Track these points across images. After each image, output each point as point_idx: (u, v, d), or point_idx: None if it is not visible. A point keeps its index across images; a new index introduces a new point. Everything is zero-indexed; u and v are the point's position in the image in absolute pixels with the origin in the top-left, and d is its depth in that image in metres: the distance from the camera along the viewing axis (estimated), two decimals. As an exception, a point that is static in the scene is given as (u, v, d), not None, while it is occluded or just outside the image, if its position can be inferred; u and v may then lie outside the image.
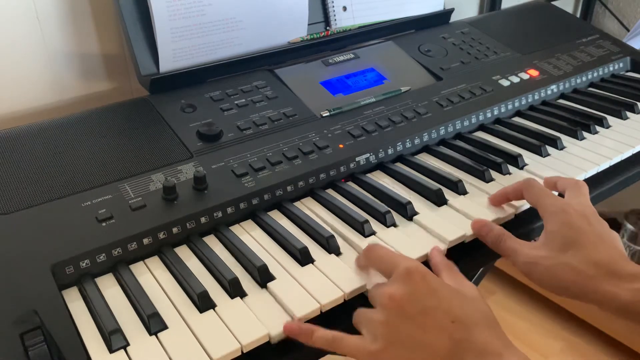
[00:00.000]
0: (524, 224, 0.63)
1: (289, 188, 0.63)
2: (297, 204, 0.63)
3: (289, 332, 0.46)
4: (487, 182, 0.67)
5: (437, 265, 0.52)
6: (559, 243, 0.52)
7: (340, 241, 0.57)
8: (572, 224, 0.52)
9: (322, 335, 0.46)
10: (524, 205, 0.63)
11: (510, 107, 0.83)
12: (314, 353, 0.47)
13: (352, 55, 0.85)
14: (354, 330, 0.49)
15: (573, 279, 0.50)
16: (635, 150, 0.76)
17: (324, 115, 0.73)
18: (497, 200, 0.62)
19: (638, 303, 0.47)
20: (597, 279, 0.49)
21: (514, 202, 0.62)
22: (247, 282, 0.52)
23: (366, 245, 0.52)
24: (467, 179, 0.68)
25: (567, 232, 0.52)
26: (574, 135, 0.78)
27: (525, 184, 0.59)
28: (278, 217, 0.61)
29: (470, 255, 0.59)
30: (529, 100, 0.86)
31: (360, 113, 0.74)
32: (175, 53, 0.73)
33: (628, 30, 1.43)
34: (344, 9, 0.89)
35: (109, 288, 0.51)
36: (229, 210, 0.59)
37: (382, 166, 0.70)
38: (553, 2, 1.27)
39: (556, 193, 0.62)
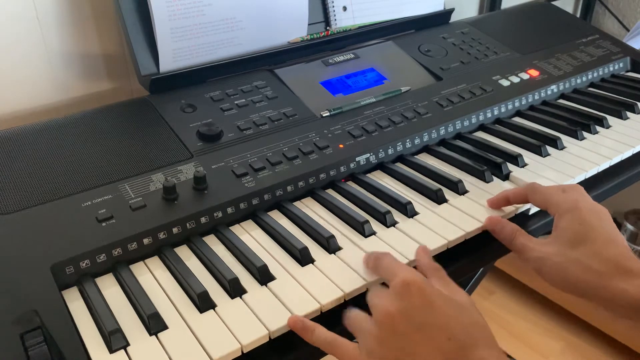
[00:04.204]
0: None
1: (289, 188, 0.63)
2: (297, 203, 0.63)
3: (292, 326, 0.46)
4: (487, 182, 0.67)
5: (425, 268, 0.51)
6: (569, 239, 0.52)
7: (340, 241, 0.57)
8: (583, 219, 0.52)
9: (323, 334, 0.46)
10: (524, 205, 0.63)
11: (510, 107, 0.83)
12: (312, 353, 0.47)
13: (352, 55, 0.85)
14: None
15: (582, 276, 0.50)
16: (635, 150, 0.76)
17: (324, 115, 0.73)
18: (498, 204, 0.62)
19: None
20: (607, 275, 0.49)
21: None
22: (247, 282, 0.52)
23: (377, 252, 0.52)
24: (467, 179, 0.68)
25: (577, 227, 0.52)
26: (574, 135, 0.78)
27: (529, 188, 0.59)
28: (278, 217, 0.61)
29: (470, 255, 0.59)
30: (529, 100, 0.86)
31: (360, 113, 0.74)
32: (175, 53, 0.73)
33: (628, 30, 1.43)
34: (344, 9, 0.89)
35: (109, 288, 0.51)
36: (229, 210, 0.59)
37: (382, 166, 0.70)
38: (553, 2, 1.27)
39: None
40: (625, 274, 0.48)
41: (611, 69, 0.98)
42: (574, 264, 0.50)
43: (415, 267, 0.54)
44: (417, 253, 0.53)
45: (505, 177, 0.69)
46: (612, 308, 0.49)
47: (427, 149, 0.75)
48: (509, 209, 0.62)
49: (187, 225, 0.57)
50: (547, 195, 0.57)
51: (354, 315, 0.47)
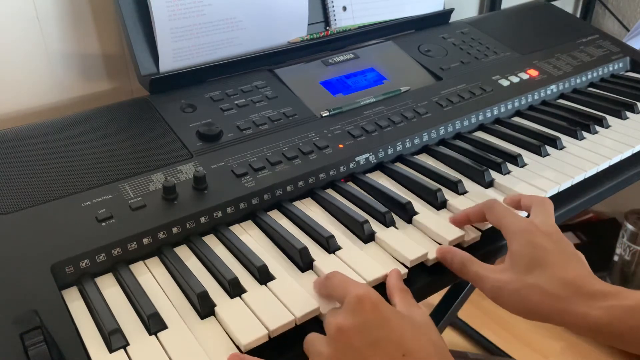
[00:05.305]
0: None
1: (288, 188, 0.63)
2: (297, 204, 0.63)
3: None
4: (487, 182, 0.67)
5: (392, 287, 0.50)
6: (524, 264, 0.49)
7: (340, 241, 0.57)
8: (535, 243, 0.50)
9: None
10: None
11: (510, 107, 0.83)
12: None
13: (352, 55, 0.85)
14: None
15: (541, 301, 0.47)
16: (635, 150, 0.76)
17: (323, 115, 0.73)
18: (459, 222, 0.59)
19: (610, 323, 0.45)
20: (567, 299, 0.47)
21: None
22: (246, 281, 0.52)
23: (326, 274, 0.50)
24: (467, 179, 0.68)
25: (531, 251, 0.50)
26: (574, 135, 0.78)
27: (486, 205, 0.57)
28: (278, 217, 0.61)
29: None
30: (529, 100, 0.86)
31: (360, 113, 0.74)
32: (175, 53, 0.73)
33: (628, 30, 1.43)
34: (344, 9, 0.89)
35: (109, 288, 0.51)
36: (229, 210, 0.59)
37: (382, 166, 0.70)
38: (553, 2, 1.27)
39: (524, 214, 0.61)
40: (585, 297, 0.46)
41: (611, 69, 0.98)
42: (532, 289, 0.48)
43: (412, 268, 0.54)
44: (389, 274, 0.52)
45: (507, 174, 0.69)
46: (575, 330, 0.47)
47: (426, 149, 0.75)
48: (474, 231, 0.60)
49: (187, 225, 0.57)
50: (501, 215, 0.54)
51: (308, 339, 0.45)
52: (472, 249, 0.59)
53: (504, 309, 0.50)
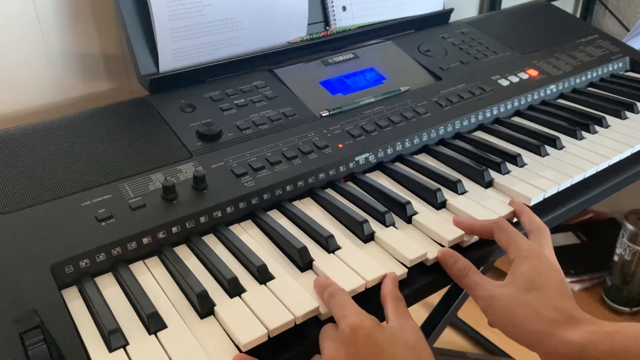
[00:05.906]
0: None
1: (288, 188, 0.63)
2: (297, 203, 0.63)
3: None
4: (487, 182, 0.67)
5: (386, 294, 0.51)
6: (524, 283, 0.51)
7: (339, 241, 0.57)
8: (541, 269, 0.52)
9: None
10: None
11: (509, 106, 0.83)
12: (311, 353, 0.48)
13: (352, 55, 0.85)
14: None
15: (530, 318, 0.49)
16: (634, 150, 0.76)
17: (323, 115, 0.73)
18: (462, 228, 0.59)
19: (591, 346, 0.46)
20: (554, 323, 0.48)
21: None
22: (246, 281, 0.52)
23: (332, 287, 0.50)
24: (467, 179, 0.68)
25: (535, 275, 0.51)
26: (574, 135, 0.78)
27: (497, 225, 0.57)
28: (277, 217, 0.61)
29: (469, 255, 0.58)
30: (529, 100, 0.86)
31: (360, 113, 0.74)
32: (175, 53, 0.74)
33: (628, 30, 1.43)
34: (344, 9, 0.89)
35: (109, 287, 0.51)
36: (229, 209, 0.59)
37: (381, 166, 0.70)
38: (553, 2, 1.27)
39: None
40: (572, 323, 0.48)
41: (610, 68, 0.98)
42: (524, 307, 0.49)
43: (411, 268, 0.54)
44: (385, 278, 0.52)
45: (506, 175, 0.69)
46: (551, 357, 0.48)
47: (426, 148, 0.75)
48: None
49: (187, 224, 0.57)
50: (513, 239, 0.55)
51: None
52: (471, 249, 0.59)
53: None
